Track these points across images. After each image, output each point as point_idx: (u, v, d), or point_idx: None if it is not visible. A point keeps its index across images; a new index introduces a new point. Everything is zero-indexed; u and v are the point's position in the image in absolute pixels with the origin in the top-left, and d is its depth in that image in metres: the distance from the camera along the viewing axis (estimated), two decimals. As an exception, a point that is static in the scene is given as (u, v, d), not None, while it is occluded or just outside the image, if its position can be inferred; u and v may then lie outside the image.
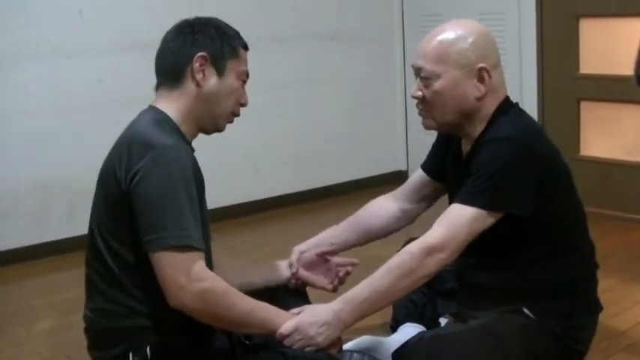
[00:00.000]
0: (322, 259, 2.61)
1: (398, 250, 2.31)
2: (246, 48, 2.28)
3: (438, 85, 2.32)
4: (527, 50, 4.75)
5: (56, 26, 4.18)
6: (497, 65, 2.36)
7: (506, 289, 2.38)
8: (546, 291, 2.36)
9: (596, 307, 2.49)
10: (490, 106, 2.35)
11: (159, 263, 1.99)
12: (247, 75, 2.28)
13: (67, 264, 3.97)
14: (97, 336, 2.17)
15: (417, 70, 2.37)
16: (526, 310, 2.34)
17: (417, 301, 2.70)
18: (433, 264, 2.23)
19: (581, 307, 2.42)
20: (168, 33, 2.24)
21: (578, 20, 4.53)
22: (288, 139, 5.14)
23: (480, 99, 2.33)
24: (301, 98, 5.17)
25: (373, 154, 5.56)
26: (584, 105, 4.60)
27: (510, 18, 4.81)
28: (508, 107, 2.38)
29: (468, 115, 2.35)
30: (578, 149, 4.60)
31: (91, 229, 2.17)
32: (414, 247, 2.25)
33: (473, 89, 2.32)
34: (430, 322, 2.67)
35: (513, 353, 2.29)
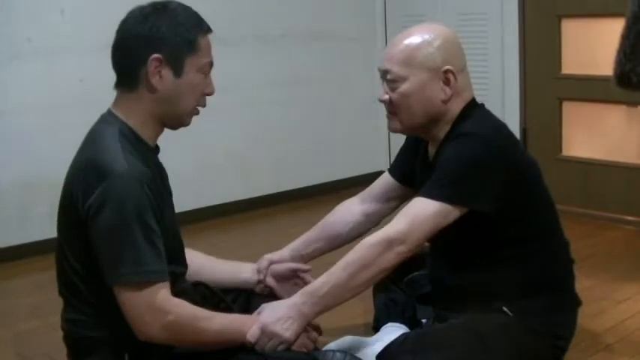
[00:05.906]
0: (293, 273, 2.62)
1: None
2: (208, 31, 2.11)
3: (404, 87, 2.36)
4: (510, 50, 4.76)
5: (38, 25, 4.15)
6: (463, 68, 2.39)
7: (482, 289, 2.39)
8: (523, 289, 2.38)
9: (575, 303, 2.51)
10: (456, 108, 2.39)
11: (121, 299, 1.97)
12: (211, 64, 2.13)
13: (50, 264, 3.84)
14: (75, 345, 2.15)
15: (384, 73, 2.41)
16: (505, 309, 2.36)
17: (399, 300, 2.71)
18: (392, 257, 2.24)
19: (559, 303, 2.44)
20: (123, 24, 2.10)
21: (560, 20, 4.55)
22: (270, 138, 5.13)
23: (445, 101, 2.36)
24: (283, 98, 5.16)
25: (355, 154, 5.56)
26: (566, 105, 4.62)
27: (492, 18, 4.83)
28: (473, 108, 2.41)
29: (434, 118, 2.39)
30: (560, 149, 4.61)
31: (58, 241, 2.14)
32: (374, 239, 2.25)
33: (439, 92, 2.35)
34: (412, 321, 2.67)
35: (497, 351, 2.29)
